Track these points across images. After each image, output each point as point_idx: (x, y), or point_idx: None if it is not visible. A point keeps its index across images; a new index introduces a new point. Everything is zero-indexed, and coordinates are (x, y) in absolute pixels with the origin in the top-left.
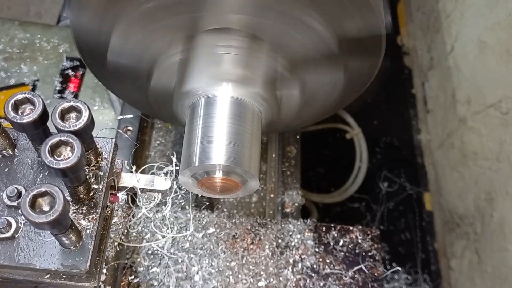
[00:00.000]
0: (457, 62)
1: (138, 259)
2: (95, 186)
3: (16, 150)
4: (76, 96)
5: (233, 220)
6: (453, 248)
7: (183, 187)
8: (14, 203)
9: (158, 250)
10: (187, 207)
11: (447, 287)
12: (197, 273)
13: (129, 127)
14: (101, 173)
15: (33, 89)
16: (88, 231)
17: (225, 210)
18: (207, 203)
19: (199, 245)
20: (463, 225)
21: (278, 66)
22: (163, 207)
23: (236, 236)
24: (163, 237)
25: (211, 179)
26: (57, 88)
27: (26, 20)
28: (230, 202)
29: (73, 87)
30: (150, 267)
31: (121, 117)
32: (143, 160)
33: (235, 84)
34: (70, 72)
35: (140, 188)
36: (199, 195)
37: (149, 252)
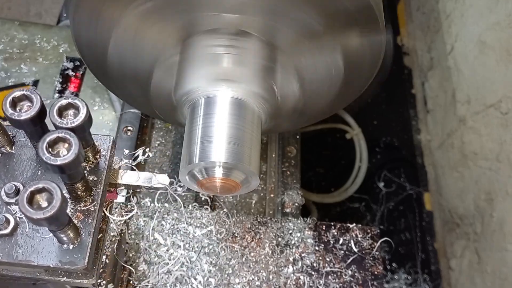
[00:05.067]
0: (457, 62)
1: (139, 256)
2: (93, 183)
3: (14, 147)
4: (76, 96)
5: (233, 219)
6: (453, 248)
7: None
8: (13, 200)
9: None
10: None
11: (447, 287)
12: (197, 271)
13: (129, 127)
14: (99, 170)
15: None
16: (86, 228)
17: (225, 209)
18: (208, 202)
19: (199, 243)
20: (463, 225)
21: (280, 70)
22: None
23: (236, 234)
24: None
25: (211, 179)
26: (57, 88)
27: (26, 20)
28: (230, 201)
29: (73, 87)
30: (150, 265)
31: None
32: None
33: (235, 84)
34: (70, 72)
35: (139, 185)
36: (200, 194)
37: (150, 248)
